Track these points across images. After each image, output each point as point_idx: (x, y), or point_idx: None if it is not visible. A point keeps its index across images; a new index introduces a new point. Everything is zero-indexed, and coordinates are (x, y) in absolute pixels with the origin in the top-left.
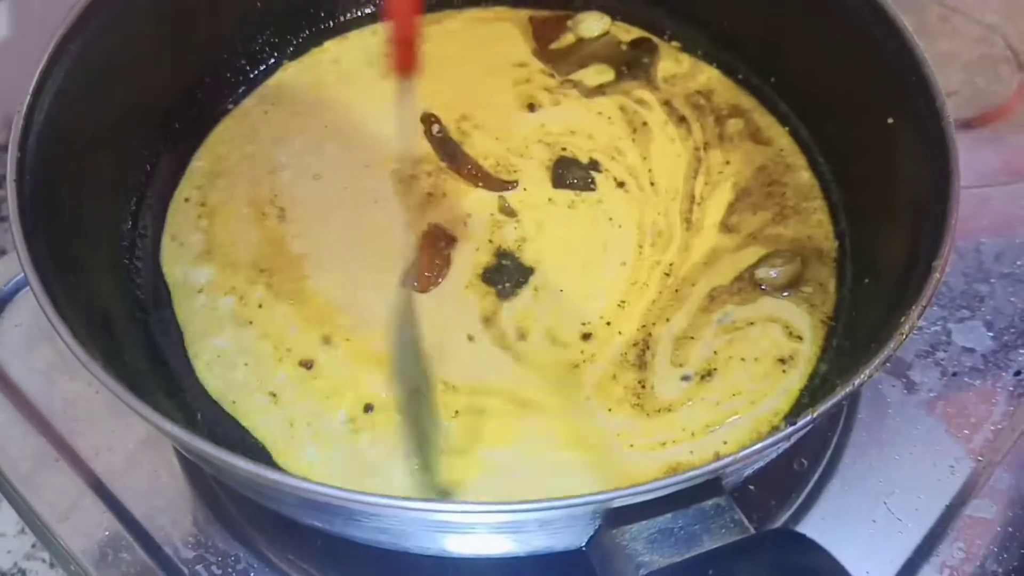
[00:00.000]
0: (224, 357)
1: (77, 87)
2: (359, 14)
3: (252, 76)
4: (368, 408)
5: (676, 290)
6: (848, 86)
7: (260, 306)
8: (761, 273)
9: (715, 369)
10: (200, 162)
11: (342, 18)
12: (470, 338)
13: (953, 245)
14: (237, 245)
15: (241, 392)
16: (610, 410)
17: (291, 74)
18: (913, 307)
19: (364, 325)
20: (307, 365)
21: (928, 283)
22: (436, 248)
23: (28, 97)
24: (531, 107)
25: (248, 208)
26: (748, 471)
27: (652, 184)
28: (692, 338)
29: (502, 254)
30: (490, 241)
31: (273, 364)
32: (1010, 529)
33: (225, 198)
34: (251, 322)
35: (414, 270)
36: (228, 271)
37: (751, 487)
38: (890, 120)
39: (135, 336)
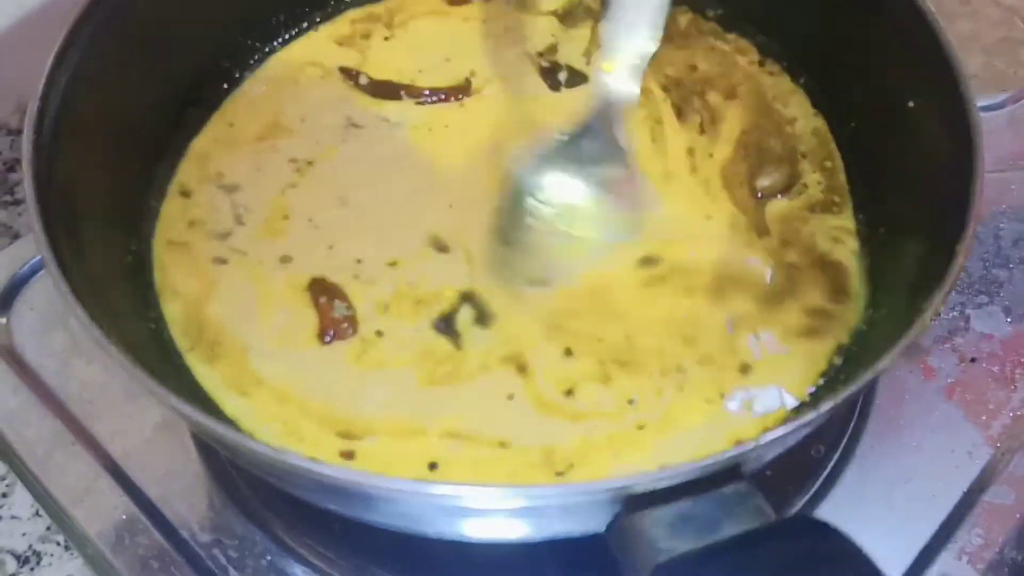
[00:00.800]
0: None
1: (92, 69)
2: None
3: (268, 53)
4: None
5: None
6: (867, 68)
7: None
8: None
9: None
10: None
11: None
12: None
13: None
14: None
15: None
16: None
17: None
18: (936, 292)
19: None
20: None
21: (951, 267)
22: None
23: (43, 80)
24: None
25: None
26: (768, 457)
27: None
28: None
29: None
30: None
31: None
32: None
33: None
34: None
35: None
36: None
37: (768, 472)
38: (911, 103)
39: (146, 330)
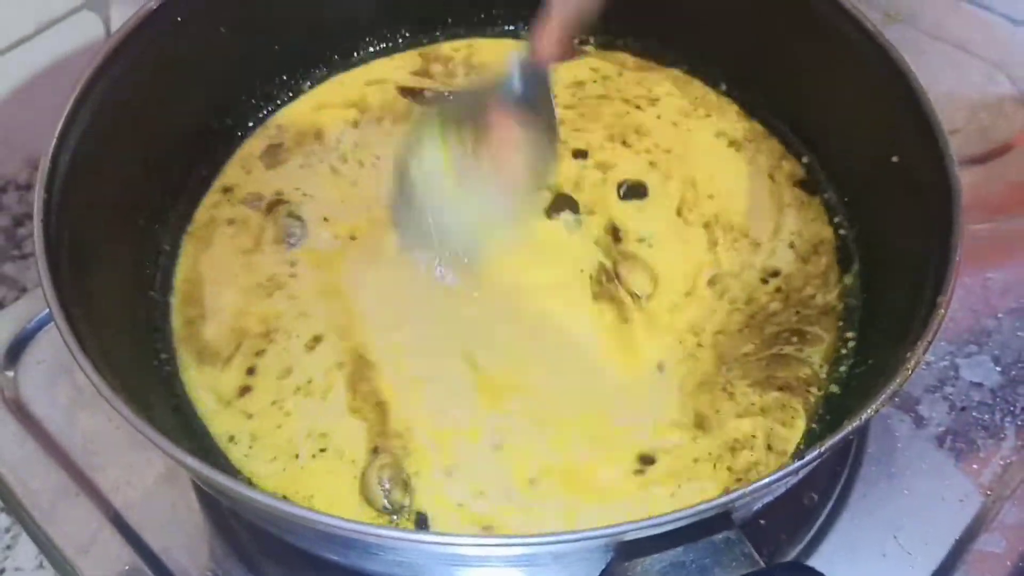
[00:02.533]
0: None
1: (103, 127)
2: (375, 49)
3: (270, 113)
4: None
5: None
6: (852, 125)
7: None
8: None
9: None
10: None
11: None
12: None
13: (958, 282)
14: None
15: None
16: None
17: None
18: (918, 343)
19: None
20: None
21: (933, 319)
22: None
23: (55, 139)
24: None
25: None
26: (758, 505)
27: None
28: None
29: None
30: None
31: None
32: (1020, 564)
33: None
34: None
35: None
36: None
37: (761, 521)
38: (895, 158)
39: (157, 383)
